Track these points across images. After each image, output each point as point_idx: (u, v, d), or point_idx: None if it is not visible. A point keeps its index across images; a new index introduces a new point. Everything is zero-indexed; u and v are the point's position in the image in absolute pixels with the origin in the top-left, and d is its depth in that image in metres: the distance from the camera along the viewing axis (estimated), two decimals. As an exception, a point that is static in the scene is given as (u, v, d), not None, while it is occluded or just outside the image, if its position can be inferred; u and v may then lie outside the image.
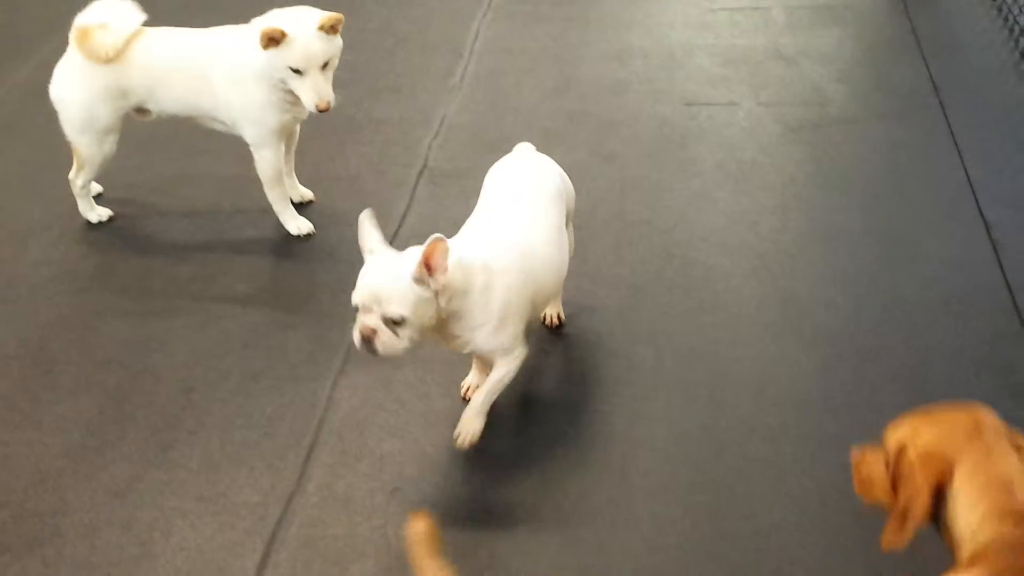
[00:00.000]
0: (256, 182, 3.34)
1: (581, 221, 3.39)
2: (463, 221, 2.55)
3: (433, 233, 2.19)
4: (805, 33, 4.64)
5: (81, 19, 3.19)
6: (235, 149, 3.40)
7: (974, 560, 1.57)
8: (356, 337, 2.28)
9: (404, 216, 3.46)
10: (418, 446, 2.66)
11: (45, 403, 2.84)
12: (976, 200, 3.45)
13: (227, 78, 3.15)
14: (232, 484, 2.57)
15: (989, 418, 1.68)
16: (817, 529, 2.38)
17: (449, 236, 2.19)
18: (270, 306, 3.16)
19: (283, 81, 3.04)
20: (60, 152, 3.50)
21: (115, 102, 3.25)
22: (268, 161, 3.29)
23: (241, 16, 3.16)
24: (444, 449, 2.64)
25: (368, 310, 2.25)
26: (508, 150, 2.87)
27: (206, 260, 3.36)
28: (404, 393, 2.82)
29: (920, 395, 2.66)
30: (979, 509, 1.59)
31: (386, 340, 2.25)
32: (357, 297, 2.27)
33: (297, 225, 3.43)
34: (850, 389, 2.75)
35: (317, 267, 3.31)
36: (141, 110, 3.33)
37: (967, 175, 3.58)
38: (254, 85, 3.11)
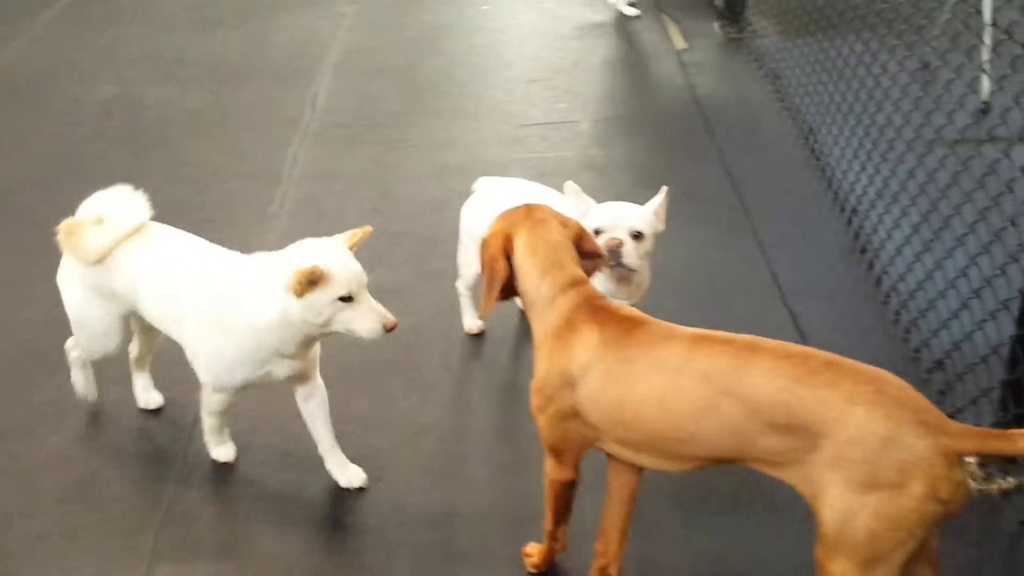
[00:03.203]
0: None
1: (408, 340, 3.41)
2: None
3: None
4: (612, 143, 4.87)
5: (80, 211, 2.81)
6: (40, 288, 3.24)
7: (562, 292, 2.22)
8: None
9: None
10: (251, 592, 2.57)
11: None
12: (781, 293, 3.64)
13: (202, 317, 2.64)
14: (51, 655, 2.41)
15: (540, 207, 2.33)
16: None
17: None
18: (88, 458, 3.01)
19: (324, 322, 2.50)
20: None
21: (108, 304, 2.86)
22: (220, 403, 2.80)
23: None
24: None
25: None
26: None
27: (16, 413, 3.20)
28: (226, 543, 2.74)
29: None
30: (533, 265, 2.25)
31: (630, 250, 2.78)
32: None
33: (225, 451, 2.94)
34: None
35: (136, 416, 3.18)
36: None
37: (771, 270, 3.78)
38: (238, 335, 2.59)
